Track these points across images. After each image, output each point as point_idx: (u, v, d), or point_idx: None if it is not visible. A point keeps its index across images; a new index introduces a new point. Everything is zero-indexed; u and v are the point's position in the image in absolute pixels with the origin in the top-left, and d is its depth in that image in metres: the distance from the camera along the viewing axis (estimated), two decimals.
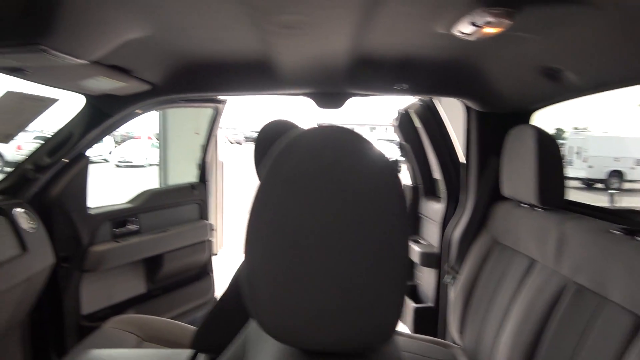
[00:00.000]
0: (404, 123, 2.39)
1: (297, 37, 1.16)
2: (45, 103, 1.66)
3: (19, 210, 1.77)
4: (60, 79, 1.45)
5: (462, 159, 1.96)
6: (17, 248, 1.70)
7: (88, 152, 2.11)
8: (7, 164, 10.94)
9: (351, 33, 1.15)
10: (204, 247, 2.77)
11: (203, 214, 2.81)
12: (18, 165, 1.84)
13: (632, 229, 1.10)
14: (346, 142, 0.50)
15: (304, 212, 0.48)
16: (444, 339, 1.91)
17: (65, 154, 1.83)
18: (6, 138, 1.66)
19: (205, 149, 2.83)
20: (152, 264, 2.49)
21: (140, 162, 16.29)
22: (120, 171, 15.27)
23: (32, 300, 1.87)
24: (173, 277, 2.62)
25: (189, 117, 5.25)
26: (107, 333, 1.68)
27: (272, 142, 1.32)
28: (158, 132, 5.83)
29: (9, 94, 1.50)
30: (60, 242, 2.02)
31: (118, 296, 2.35)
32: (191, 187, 2.75)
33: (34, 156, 1.83)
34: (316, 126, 0.56)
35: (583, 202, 1.54)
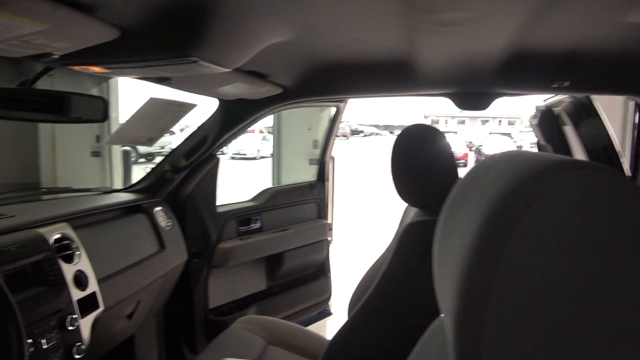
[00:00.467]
0: (546, 122, 2.14)
1: (451, 35, 1.03)
2: (184, 108, 1.72)
3: (157, 208, 1.88)
4: (201, 86, 1.48)
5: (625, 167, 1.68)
6: (156, 245, 1.80)
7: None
8: (141, 156, 12.10)
9: (515, 28, 1.00)
10: (323, 247, 2.75)
11: (321, 212, 2.79)
12: (157, 166, 1.95)
13: None
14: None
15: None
16: None
17: (201, 156, 1.89)
18: (150, 141, 1.75)
19: (324, 147, 2.80)
20: (273, 262, 2.53)
21: (252, 155, 17.17)
22: (234, 163, 16.20)
23: (167, 293, 1.98)
24: (292, 275, 2.64)
25: (302, 114, 5.33)
26: (235, 334, 1.71)
27: (415, 154, 1.22)
28: (269, 127, 6.01)
29: (152, 100, 1.57)
30: (192, 238, 2.11)
31: (241, 292, 2.42)
32: (310, 186, 2.74)
33: (171, 158, 1.92)
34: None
35: None
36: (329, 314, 2.88)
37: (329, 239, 2.88)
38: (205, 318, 2.22)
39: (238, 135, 2.07)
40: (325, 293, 2.78)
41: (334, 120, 2.72)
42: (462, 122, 40.75)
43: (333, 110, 2.68)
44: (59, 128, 6.06)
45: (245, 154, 17.23)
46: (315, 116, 5.06)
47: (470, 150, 20.86)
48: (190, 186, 2.12)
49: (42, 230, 1.30)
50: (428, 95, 1.67)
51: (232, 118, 1.83)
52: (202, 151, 1.87)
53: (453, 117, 41.28)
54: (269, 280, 2.55)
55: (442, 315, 0.55)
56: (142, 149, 11.77)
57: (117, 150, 6.61)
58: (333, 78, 1.62)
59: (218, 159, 2.19)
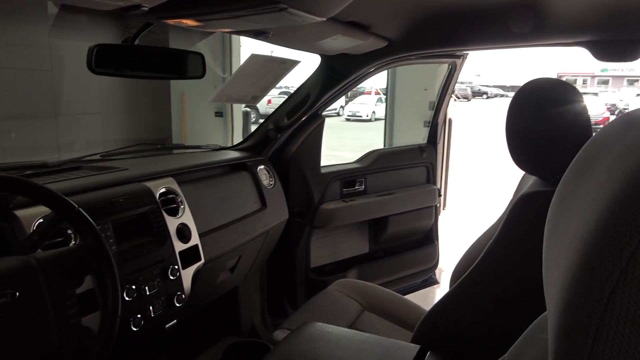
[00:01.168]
0: None
1: None
2: (286, 65, 1.68)
3: (260, 167, 1.89)
4: (299, 40, 1.41)
5: None
6: (258, 203, 1.82)
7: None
8: (261, 116, 12.67)
9: None
10: (431, 213, 2.61)
11: (431, 177, 2.64)
12: (261, 126, 1.95)
13: None
14: None
15: None
16: None
17: (303, 115, 1.85)
18: (254, 100, 1.74)
19: (437, 108, 2.61)
20: (376, 226, 2.46)
21: (367, 116, 17.06)
22: (349, 124, 16.25)
23: (269, 250, 2.02)
24: (396, 240, 2.56)
25: (418, 73, 5.05)
26: (331, 295, 1.69)
27: (538, 113, 1.03)
28: (384, 88, 5.82)
29: (254, 57, 1.54)
30: (294, 198, 2.12)
31: (342, 254, 2.40)
32: (419, 148, 2.59)
33: (274, 117, 1.91)
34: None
35: None
36: (434, 282, 2.76)
37: (439, 205, 2.72)
38: (306, 277, 2.25)
39: (342, 94, 1.99)
40: (431, 261, 2.66)
41: (449, 78, 2.50)
42: (605, 82, 35.87)
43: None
44: (187, 90, 6.53)
45: (360, 116, 17.19)
46: (432, 75, 4.78)
47: (613, 114, 18.43)
48: (295, 146, 2.11)
49: (149, 184, 1.37)
50: (561, 44, 1.40)
51: (335, 75, 1.75)
52: (304, 110, 1.83)
53: (593, 77, 36.58)
54: (371, 244, 2.50)
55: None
56: (263, 109, 12.28)
57: (238, 111, 6.96)
58: (446, 27, 1.44)
59: (323, 119, 2.15)
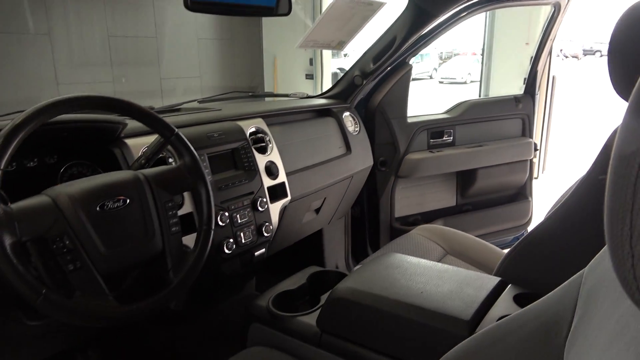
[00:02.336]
0: None
1: None
2: (373, 7, 1.66)
3: (346, 114, 1.92)
4: None
5: None
6: (343, 148, 1.86)
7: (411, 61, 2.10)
8: None
9: None
10: (525, 168, 2.48)
11: (526, 130, 2.49)
12: (347, 72, 1.96)
13: None
14: None
15: None
16: None
17: (389, 59, 1.83)
18: (340, 45, 1.76)
19: (536, 55, 2.43)
20: (464, 178, 2.40)
21: (462, 79, 16.24)
22: (442, 87, 15.62)
23: (353, 196, 2.06)
24: (485, 195, 2.47)
25: (520, 26, 4.70)
26: (414, 238, 1.69)
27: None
28: (482, 46, 5.50)
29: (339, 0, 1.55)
30: (380, 147, 2.12)
31: (427, 205, 2.38)
32: (515, 99, 2.44)
33: (360, 63, 1.91)
34: None
35: None
36: None
37: (534, 159, 2.57)
38: (390, 226, 2.27)
39: (430, 40, 1.93)
40: (523, 218, 2.54)
41: (551, 22, 2.31)
42: None
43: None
44: (279, 54, 6.70)
45: (454, 78, 16.41)
46: (534, 27, 4.42)
47: None
48: (380, 95, 2.10)
49: (241, 123, 1.46)
50: None
51: (422, 16, 1.70)
52: (390, 54, 1.80)
53: None
54: (458, 197, 2.45)
55: None
56: None
57: (328, 74, 7.01)
58: None
59: (411, 66, 2.11)
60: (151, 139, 1.15)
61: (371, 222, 2.27)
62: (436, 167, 2.26)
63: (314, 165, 1.67)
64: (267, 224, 1.40)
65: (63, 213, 0.82)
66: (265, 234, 1.39)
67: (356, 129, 1.94)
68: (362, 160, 1.93)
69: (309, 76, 7.49)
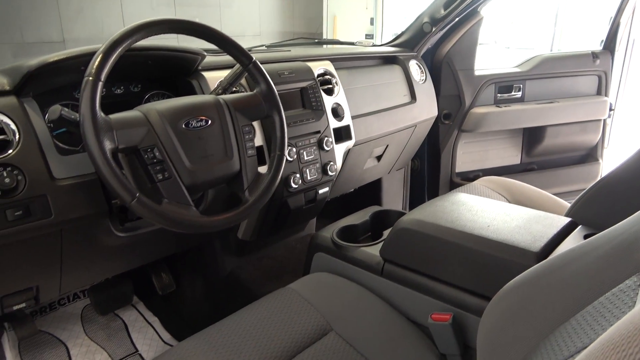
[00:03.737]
0: None
1: None
2: None
3: (412, 62, 1.89)
4: None
5: None
6: (408, 96, 1.84)
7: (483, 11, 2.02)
8: None
9: None
10: (597, 128, 2.36)
11: (602, 88, 2.36)
12: (415, 20, 1.92)
13: None
14: None
15: None
16: None
17: (460, 5, 1.77)
18: None
19: (618, 9, 2.26)
20: (531, 136, 2.32)
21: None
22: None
23: (415, 147, 2.05)
24: (553, 154, 2.39)
25: None
26: (476, 188, 1.68)
27: None
28: None
29: None
30: (444, 99, 2.08)
31: (490, 162, 2.33)
32: (592, 55, 2.31)
33: (430, 9, 1.86)
34: None
35: None
36: None
37: (608, 119, 2.44)
38: (450, 180, 2.25)
39: None
40: (592, 180, 2.43)
41: None
42: None
43: None
44: (338, 13, 6.63)
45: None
46: None
47: None
48: (448, 45, 2.05)
49: (310, 64, 1.48)
50: None
51: None
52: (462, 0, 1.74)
53: None
54: (523, 155, 2.37)
55: None
56: None
57: (388, 33, 6.86)
58: None
59: (482, 16, 2.03)
60: (224, 73, 1.20)
61: (431, 176, 2.25)
62: (502, 123, 2.20)
63: (378, 111, 1.68)
64: (331, 163, 1.43)
65: (153, 127, 0.88)
66: (330, 173, 1.43)
67: (422, 78, 1.91)
68: (427, 110, 1.91)
69: (369, 36, 7.34)
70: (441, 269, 1.00)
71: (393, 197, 2.16)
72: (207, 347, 0.87)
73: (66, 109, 0.85)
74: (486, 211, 1.07)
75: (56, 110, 0.83)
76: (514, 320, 0.76)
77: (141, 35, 0.86)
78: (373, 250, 1.14)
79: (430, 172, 2.25)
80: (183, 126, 0.92)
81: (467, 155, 2.26)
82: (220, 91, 1.13)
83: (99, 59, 0.82)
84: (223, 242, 1.50)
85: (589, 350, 0.32)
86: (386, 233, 1.22)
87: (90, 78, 0.81)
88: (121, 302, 1.54)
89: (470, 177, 2.29)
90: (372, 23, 7.50)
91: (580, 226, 1.03)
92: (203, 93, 1.19)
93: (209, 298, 1.56)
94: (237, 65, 1.11)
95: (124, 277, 1.53)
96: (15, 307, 1.05)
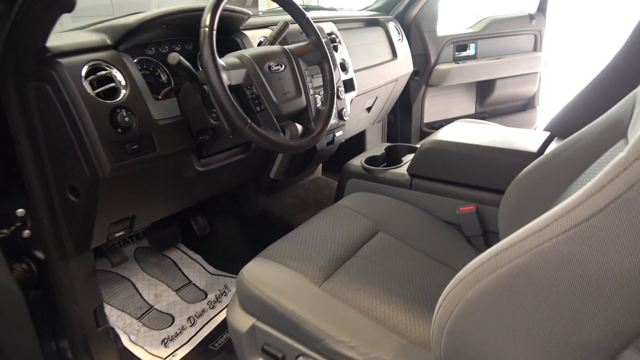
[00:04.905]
0: None
1: None
2: None
3: (391, 24, 2.16)
4: None
5: None
6: (390, 54, 2.12)
7: None
8: None
9: None
10: (535, 79, 2.79)
11: (537, 45, 2.77)
12: None
13: None
14: None
15: None
16: None
17: None
18: None
19: None
20: (483, 88, 2.69)
21: None
22: None
23: (394, 100, 2.34)
24: (501, 104, 2.79)
25: None
26: None
27: None
28: None
29: None
30: (413, 58, 2.39)
31: (451, 112, 2.69)
32: (529, 17, 2.71)
33: None
34: None
35: None
36: None
37: (541, 72, 2.88)
38: (420, 130, 2.58)
39: None
40: (531, 125, 2.88)
41: None
42: None
43: None
44: None
45: None
46: None
47: None
48: (416, 9, 2.34)
49: (320, 24, 1.70)
50: None
51: None
52: None
53: None
54: (477, 106, 2.75)
55: None
56: None
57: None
58: None
59: None
60: (262, 32, 1.40)
61: (403, 127, 2.57)
62: (460, 77, 2.54)
63: (371, 67, 1.94)
64: (345, 109, 1.68)
65: (248, 69, 1.09)
66: (345, 118, 1.68)
67: (399, 38, 2.20)
68: (406, 66, 2.20)
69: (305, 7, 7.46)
70: (462, 175, 1.30)
71: (373, 144, 2.45)
72: (287, 249, 1.10)
73: (182, 57, 1.03)
74: (486, 132, 1.38)
75: (175, 57, 1.02)
76: (528, 198, 1.07)
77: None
78: (399, 171, 1.42)
79: (402, 123, 2.56)
80: (267, 69, 1.13)
81: (433, 107, 2.60)
82: (268, 44, 1.33)
83: (209, 14, 1.01)
84: (256, 183, 1.72)
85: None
86: (405, 159, 1.50)
87: (207, 29, 1.00)
88: (173, 241, 1.73)
89: (435, 126, 2.63)
90: None
91: (555, 138, 1.37)
92: (245, 48, 1.39)
93: (244, 233, 1.78)
94: (281, 22, 1.32)
95: (172, 221, 1.71)
96: (117, 235, 1.23)
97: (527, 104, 2.89)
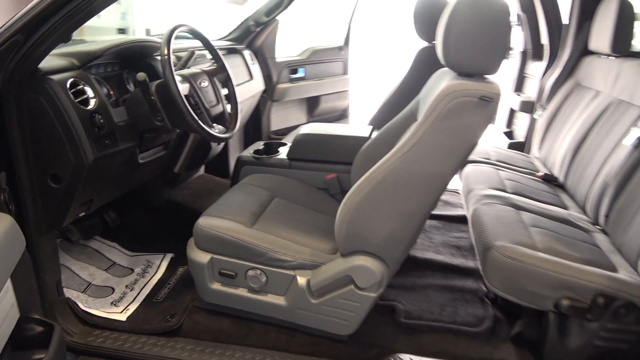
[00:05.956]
0: None
1: None
2: None
3: (246, 52, 2.75)
4: None
5: (564, 21, 2.56)
6: (248, 76, 2.70)
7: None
8: None
9: None
10: (346, 96, 3.68)
11: (345, 70, 3.67)
12: (244, 21, 2.78)
13: None
14: None
15: None
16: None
17: (278, 14, 2.72)
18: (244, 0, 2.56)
19: (352, 15, 3.59)
20: (311, 103, 3.46)
21: None
22: None
23: (250, 112, 2.92)
24: (324, 115, 3.60)
25: None
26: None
27: None
28: None
29: None
30: (263, 78, 3.01)
31: (290, 122, 3.38)
32: (339, 48, 3.59)
33: (255, 15, 2.75)
34: None
35: None
36: None
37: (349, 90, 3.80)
38: (268, 136, 3.21)
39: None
40: None
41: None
42: None
43: None
44: None
45: None
46: None
47: None
48: (261, 40, 2.97)
49: (204, 52, 2.19)
50: None
51: None
52: (280, 10, 2.69)
53: None
54: (308, 116, 3.52)
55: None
56: None
57: (140, 28, 7.24)
58: None
59: (277, 21, 3.01)
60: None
61: (256, 134, 3.16)
62: (295, 94, 3.26)
63: (237, 85, 2.49)
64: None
65: (190, 84, 1.57)
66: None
67: (252, 63, 2.79)
68: (259, 84, 2.81)
69: (122, 30, 7.58)
70: (325, 155, 1.95)
71: (234, 152, 2.99)
72: (221, 210, 1.60)
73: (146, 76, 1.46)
74: (332, 127, 2.07)
75: (142, 75, 1.44)
76: (367, 164, 1.77)
77: (174, 33, 1.53)
78: (281, 157, 2.02)
79: (255, 131, 3.15)
80: (199, 84, 1.61)
81: (276, 117, 3.25)
82: (179, 68, 1.79)
83: (166, 46, 1.47)
84: (163, 177, 2.10)
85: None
86: (281, 149, 2.10)
87: (166, 56, 1.45)
88: (96, 230, 1.99)
89: (279, 132, 3.29)
90: (123, 18, 7.71)
91: (375, 128, 2.13)
92: (160, 71, 1.82)
93: (155, 220, 2.13)
94: (189, 51, 1.80)
95: (93, 214, 1.98)
96: (80, 215, 1.54)
97: (342, 115, 3.77)
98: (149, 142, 1.69)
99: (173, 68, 1.47)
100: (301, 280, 1.44)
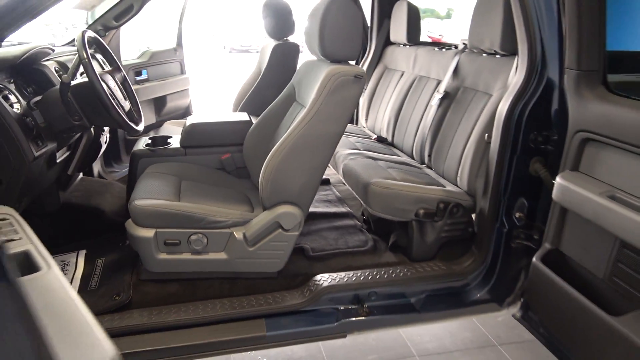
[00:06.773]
0: None
1: None
2: None
3: (97, 55, 2.81)
4: None
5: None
6: None
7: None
8: None
9: None
10: (187, 94, 3.91)
11: (183, 69, 3.90)
12: (92, 24, 2.82)
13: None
14: None
15: None
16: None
17: (128, 20, 2.83)
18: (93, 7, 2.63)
19: (180, 18, 3.82)
20: (159, 103, 3.61)
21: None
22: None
23: None
24: (170, 114, 3.77)
25: None
26: (165, 128, 2.88)
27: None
28: None
29: None
30: None
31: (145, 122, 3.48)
32: (174, 49, 3.79)
33: (102, 19, 2.81)
34: None
35: None
36: None
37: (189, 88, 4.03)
38: (125, 138, 3.27)
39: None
40: None
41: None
42: None
43: None
44: None
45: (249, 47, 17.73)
46: None
47: None
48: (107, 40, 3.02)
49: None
50: None
51: None
52: (130, 16, 2.81)
53: None
54: (156, 116, 3.65)
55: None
56: None
57: None
58: None
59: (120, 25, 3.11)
60: (54, 63, 1.95)
61: (112, 138, 3.19)
62: (142, 95, 3.38)
63: None
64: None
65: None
66: None
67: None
68: None
69: None
70: (214, 139, 2.26)
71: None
72: (144, 192, 1.82)
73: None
74: (214, 115, 2.39)
75: (67, 77, 1.57)
76: (257, 142, 2.18)
77: (85, 37, 1.67)
78: (174, 146, 2.25)
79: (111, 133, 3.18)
80: (109, 84, 1.78)
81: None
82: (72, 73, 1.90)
83: (83, 50, 1.62)
84: (57, 180, 2.12)
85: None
86: (170, 140, 2.32)
87: (86, 59, 1.61)
88: None
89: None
90: None
91: (250, 113, 2.51)
92: (51, 76, 1.89)
93: (54, 223, 2.12)
94: (76, 59, 1.92)
95: None
96: None
97: (185, 112, 3.98)
98: (62, 142, 1.78)
99: (94, 69, 1.63)
100: (237, 234, 1.78)
